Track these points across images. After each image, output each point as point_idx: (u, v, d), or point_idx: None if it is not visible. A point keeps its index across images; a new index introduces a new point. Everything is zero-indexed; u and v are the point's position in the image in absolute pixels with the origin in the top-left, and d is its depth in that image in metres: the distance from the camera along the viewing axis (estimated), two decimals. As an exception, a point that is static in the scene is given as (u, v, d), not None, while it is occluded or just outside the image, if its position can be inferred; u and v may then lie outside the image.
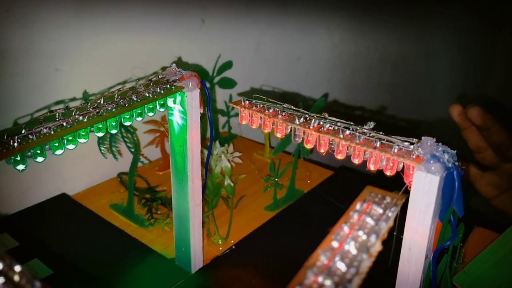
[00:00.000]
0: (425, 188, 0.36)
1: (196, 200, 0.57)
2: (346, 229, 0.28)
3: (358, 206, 0.29)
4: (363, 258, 0.25)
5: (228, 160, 0.68)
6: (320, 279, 0.24)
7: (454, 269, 0.49)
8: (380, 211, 0.29)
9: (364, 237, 0.27)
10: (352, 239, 0.27)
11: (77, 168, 0.78)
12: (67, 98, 0.71)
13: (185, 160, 0.54)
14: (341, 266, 0.25)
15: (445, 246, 0.39)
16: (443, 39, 1.51)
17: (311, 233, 0.68)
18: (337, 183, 0.82)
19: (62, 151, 0.41)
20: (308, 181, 0.82)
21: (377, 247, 0.26)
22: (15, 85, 0.67)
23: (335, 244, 0.27)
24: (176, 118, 0.52)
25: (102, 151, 0.62)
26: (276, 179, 0.74)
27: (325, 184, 0.82)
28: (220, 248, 0.66)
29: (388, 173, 0.40)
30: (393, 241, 0.37)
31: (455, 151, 0.37)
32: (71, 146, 0.42)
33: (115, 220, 0.71)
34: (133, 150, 0.65)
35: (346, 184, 0.82)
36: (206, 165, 0.58)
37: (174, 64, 0.52)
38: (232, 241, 0.67)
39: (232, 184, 0.69)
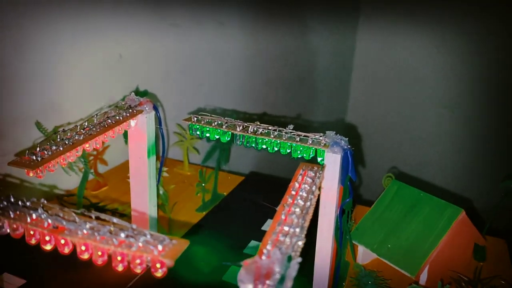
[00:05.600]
0: (332, 163, 0.56)
1: (153, 202, 0.70)
2: (296, 184, 0.46)
3: (301, 171, 0.48)
4: (311, 197, 0.43)
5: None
6: (292, 208, 0.41)
7: (349, 226, 0.70)
8: (313, 174, 0.48)
9: (308, 187, 0.45)
10: (303, 189, 0.45)
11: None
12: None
13: (145, 170, 0.67)
14: (301, 202, 0.42)
15: (345, 203, 0.59)
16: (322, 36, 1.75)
17: (241, 224, 0.85)
18: (250, 185, 1.01)
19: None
20: (229, 178, 1.00)
21: (316, 192, 0.45)
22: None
23: (293, 192, 0.44)
24: (136, 135, 0.66)
25: (65, 169, 0.71)
26: (203, 185, 0.90)
27: (240, 186, 0.99)
28: (166, 245, 0.79)
29: (304, 157, 0.59)
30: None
31: (347, 138, 0.57)
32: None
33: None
34: (86, 166, 0.75)
35: (257, 185, 1.01)
36: (159, 173, 0.72)
37: (133, 93, 0.65)
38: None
39: (166, 193, 0.83)
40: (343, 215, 0.64)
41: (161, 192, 0.82)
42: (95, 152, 0.93)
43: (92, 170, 0.78)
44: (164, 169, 0.93)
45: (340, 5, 1.81)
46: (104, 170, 1.01)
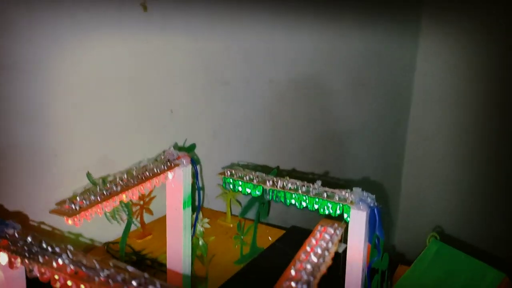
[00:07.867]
0: (358, 220, 0.56)
1: (188, 253, 0.72)
2: (313, 240, 0.46)
3: (319, 227, 0.48)
4: (327, 254, 0.44)
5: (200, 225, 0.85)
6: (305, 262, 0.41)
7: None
8: (332, 231, 0.48)
9: (325, 244, 0.45)
10: (319, 246, 0.45)
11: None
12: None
13: (180, 221, 0.70)
14: (314, 258, 0.43)
15: (374, 261, 0.58)
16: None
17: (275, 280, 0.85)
18: (289, 239, 1.00)
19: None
20: (270, 238, 0.99)
21: (333, 249, 0.45)
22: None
23: (308, 248, 0.45)
24: (173, 188, 0.69)
25: (108, 218, 0.76)
26: (242, 237, 0.91)
27: (280, 241, 0.99)
28: (202, 298, 0.80)
29: (331, 213, 0.59)
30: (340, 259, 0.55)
31: (374, 195, 0.57)
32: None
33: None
34: (130, 216, 0.80)
35: (296, 239, 1.00)
36: (195, 224, 0.74)
37: (172, 147, 0.69)
38: (212, 290, 0.82)
39: (206, 244, 0.85)
40: (376, 274, 0.63)
41: (200, 243, 0.84)
42: (141, 202, 0.98)
43: (134, 220, 0.81)
44: (206, 220, 0.95)
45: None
46: (150, 220, 1.05)
